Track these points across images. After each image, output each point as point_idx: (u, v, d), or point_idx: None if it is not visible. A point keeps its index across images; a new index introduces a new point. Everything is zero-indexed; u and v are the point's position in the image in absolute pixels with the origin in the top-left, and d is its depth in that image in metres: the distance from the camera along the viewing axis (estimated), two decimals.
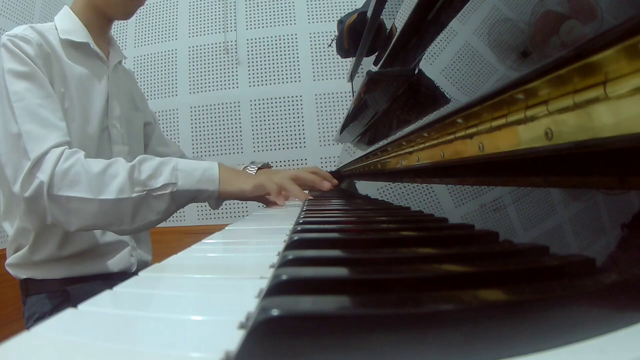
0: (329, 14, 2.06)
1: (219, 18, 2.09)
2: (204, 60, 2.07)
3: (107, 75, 0.88)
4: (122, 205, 0.69)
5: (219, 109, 2.05)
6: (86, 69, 0.83)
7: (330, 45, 1.67)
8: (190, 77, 2.07)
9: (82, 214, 0.69)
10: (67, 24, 0.83)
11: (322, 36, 2.05)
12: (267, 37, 2.07)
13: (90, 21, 0.86)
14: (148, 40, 2.10)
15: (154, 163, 0.72)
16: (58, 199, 0.68)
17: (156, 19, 2.12)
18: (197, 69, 2.07)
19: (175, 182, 0.71)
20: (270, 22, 2.08)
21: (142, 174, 0.70)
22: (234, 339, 0.14)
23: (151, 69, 2.08)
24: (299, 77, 2.04)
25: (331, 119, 2.01)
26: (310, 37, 2.06)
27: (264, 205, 0.89)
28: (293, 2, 2.08)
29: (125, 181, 0.69)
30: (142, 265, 0.93)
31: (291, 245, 0.30)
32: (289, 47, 2.06)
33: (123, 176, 0.69)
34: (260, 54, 2.06)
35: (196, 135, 2.04)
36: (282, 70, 2.05)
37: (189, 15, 2.11)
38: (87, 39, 0.84)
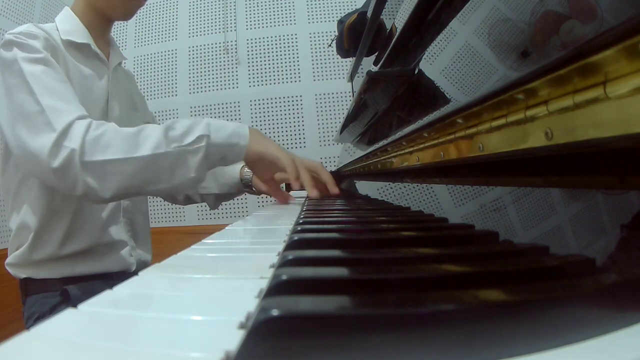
0: (329, 14, 2.06)
1: (219, 18, 2.09)
2: (204, 60, 2.07)
3: (107, 76, 0.89)
4: (160, 160, 0.68)
5: (219, 109, 2.05)
6: (87, 70, 0.84)
7: (330, 45, 1.67)
8: (190, 77, 2.07)
9: (118, 176, 0.67)
10: (67, 25, 0.83)
11: (322, 36, 2.05)
12: (267, 37, 2.07)
13: (91, 22, 0.86)
14: (148, 40, 2.10)
15: (186, 121, 0.72)
16: (92, 165, 0.66)
17: (156, 19, 2.12)
18: (197, 69, 2.07)
19: (208, 134, 0.71)
20: (270, 22, 2.08)
21: (177, 130, 0.70)
22: (234, 339, 0.14)
23: (151, 69, 2.08)
24: (299, 77, 2.04)
25: (331, 119, 2.01)
26: (310, 37, 2.06)
27: (270, 200, 0.89)
28: (293, 2, 2.08)
29: (161, 138, 0.69)
30: (142, 265, 0.93)
31: (291, 245, 0.30)
32: (289, 47, 2.06)
33: (158, 134, 0.69)
34: (260, 54, 2.06)
35: None
36: (282, 70, 2.05)
37: (189, 15, 2.11)
38: (88, 40, 0.84)
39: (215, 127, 0.72)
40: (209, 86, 2.06)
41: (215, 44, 2.08)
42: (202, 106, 2.05)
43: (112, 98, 0.88)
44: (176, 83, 2.07)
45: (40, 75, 0.71)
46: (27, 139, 0.68)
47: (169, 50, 2.09)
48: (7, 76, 0.72)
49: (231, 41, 2.07)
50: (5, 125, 0.72)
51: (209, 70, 2.07)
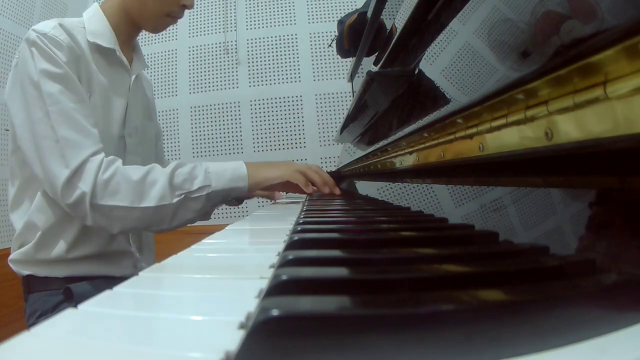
0: (329, 14, 2.06)
1: (219, 18, 2.09)
2: (204, 60, 2.07)
3: (128, 84, 0.87)
4: (163, 210, 0.74)
5: (219, 109, 2.05)
6: (109, 76, 0.83)
7: (330, 45, 1.67)
8: (190, 77, 2.07)
9: (124, 219, 0.73)
10: (95, 26, 0.81)
11: (322, 36, 2.05)
12: (267, 37, 2.07)
13: (119, 26, 0.85)
14: (148, 41, 2.10)
15: (187, 168, 0.77)
16: (101, 207, 0.72)
17: None
18: (197, 69, 2.07)
19: (209, 184, 0.77)
20: (270, 22, 2.08)
21: (179, 177, 0.75)
22: (234, 339, 0.14)
23: (151, 69, 2.08)
24: (299, 77, 2.04)
25: (331, 119, 2.01)
26: (310, 37, 2.06)
27: (272, 201, 0.91)
28: (293, 2, 2.08)
29: (165, 188, 0.74)
30: None
31: (291, 245, 0.30)
32: (289, 47, 2.06)
33: (162, 183, 0.74)
34: (260, 54, 2.06)
35: (196, 135, 2.04)
36: (282, 70, 2.05)
37: (189, 15, 2.11)
38: (114, 45, 0.83)
39: (215, 174, 0.78)
40: (209, 86, 2.06)
41: (215, 44, 2.08)
42: (202, 106, 2.05)
43: (131, 107, 0.88)
44: (176, 83, 2.07)
45: (58, 96, 0.71)
46: (43, 157, 0.71)
47: (169, 50, 2.09)
48: (25, 79, 0.72)
49: (231, 41, 2.07)
50: (20, 127, 0.73)
51: (209, 70, 2.07)
